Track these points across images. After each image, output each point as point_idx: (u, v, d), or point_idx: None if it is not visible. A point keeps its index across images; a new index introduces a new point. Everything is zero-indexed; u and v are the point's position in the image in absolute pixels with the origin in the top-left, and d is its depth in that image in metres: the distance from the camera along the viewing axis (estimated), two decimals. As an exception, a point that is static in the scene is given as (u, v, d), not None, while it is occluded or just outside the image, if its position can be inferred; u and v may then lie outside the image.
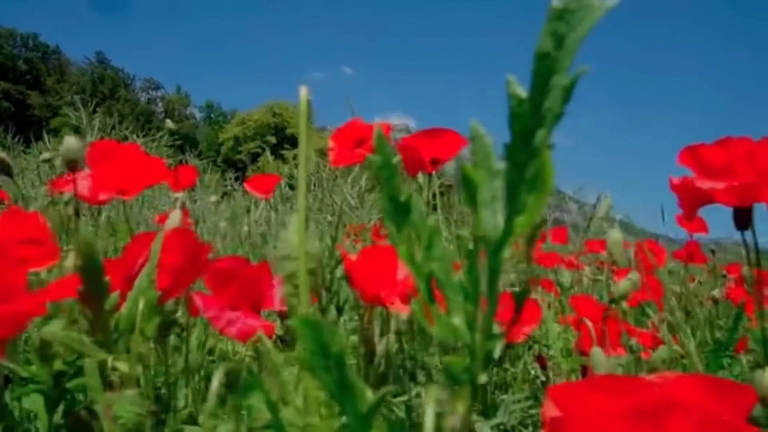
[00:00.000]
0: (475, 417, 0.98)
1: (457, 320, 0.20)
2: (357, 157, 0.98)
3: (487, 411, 1.00)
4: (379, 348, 0.83)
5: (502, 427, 0.96)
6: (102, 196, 0.94)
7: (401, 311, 0.51)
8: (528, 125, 0.17)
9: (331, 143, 0.97)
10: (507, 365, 1.09)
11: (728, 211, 0.56)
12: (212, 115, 45.39)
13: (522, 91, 0.17)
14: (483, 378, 0.19)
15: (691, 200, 0.54)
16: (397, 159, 0.18)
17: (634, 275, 0.69)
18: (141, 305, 0.38)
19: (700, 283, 1.46)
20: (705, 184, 0.50)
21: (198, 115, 45.17)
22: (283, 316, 0.81)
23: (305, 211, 0.23)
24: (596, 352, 0.45)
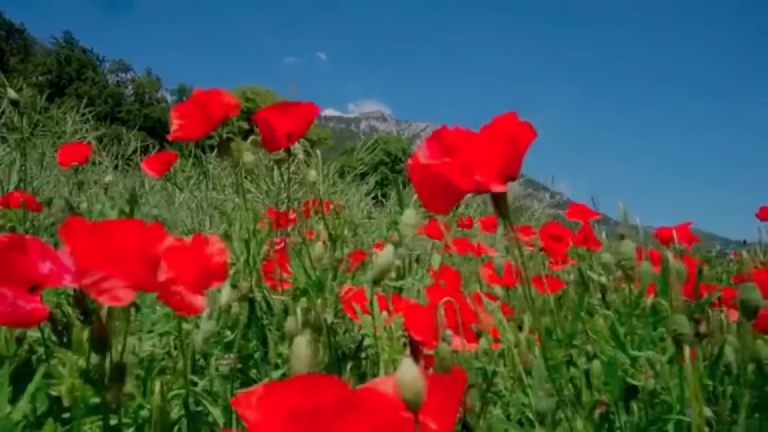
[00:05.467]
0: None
1: None
2: (201, 130, 0.91)
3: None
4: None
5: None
6: None
7: (118, 301, 0.45)
8: None
9: (174, 115, 0.89)
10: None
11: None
12: (184, 99, 44.53)
13: None
14: None
15: (432, 185, 0.49)
16: None
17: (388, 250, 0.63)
18: None
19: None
20: (429, 161, 0.46)
21: (170, 98, 44.26)
22: (79, 295, 0.74)
23: None
24: (298, 344, 0.40)
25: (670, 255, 0.59)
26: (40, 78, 33.25)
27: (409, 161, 0.51)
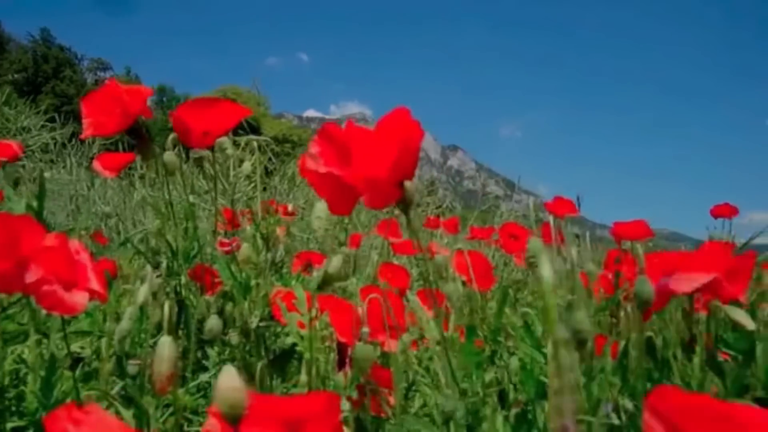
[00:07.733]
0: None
1: None
2: (115, 125, 0.88)
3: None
4: None
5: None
6: None
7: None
8: None
9: (84, 112, 0.86)
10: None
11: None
12: (164, 99, 44.15)
13: None
14: None
15: (328, 188, 0.48)
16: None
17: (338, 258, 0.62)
18: None
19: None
20: (319, 168, 0.44)
21: (149, 98, 43.68)
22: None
23: None
24: (161, 344, 0.38)
25: (574, 251, 0.58)
26: (15, 75, 32.62)
27: (300, 162, 0.50)
